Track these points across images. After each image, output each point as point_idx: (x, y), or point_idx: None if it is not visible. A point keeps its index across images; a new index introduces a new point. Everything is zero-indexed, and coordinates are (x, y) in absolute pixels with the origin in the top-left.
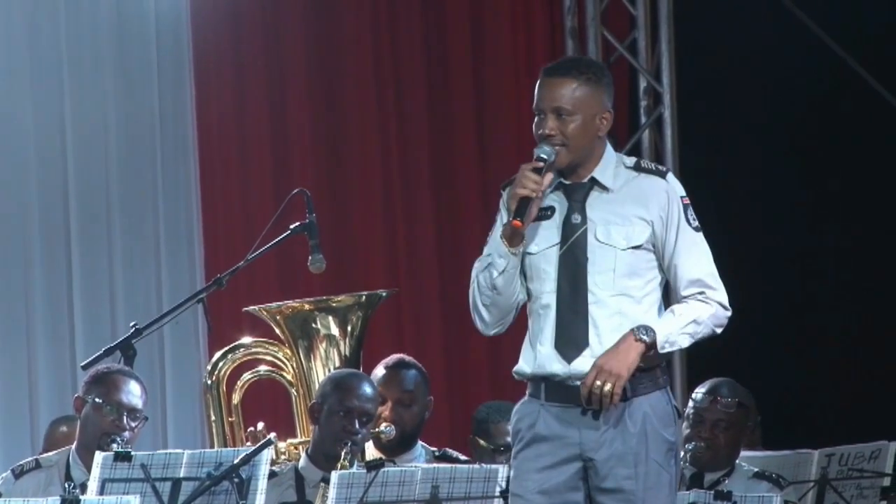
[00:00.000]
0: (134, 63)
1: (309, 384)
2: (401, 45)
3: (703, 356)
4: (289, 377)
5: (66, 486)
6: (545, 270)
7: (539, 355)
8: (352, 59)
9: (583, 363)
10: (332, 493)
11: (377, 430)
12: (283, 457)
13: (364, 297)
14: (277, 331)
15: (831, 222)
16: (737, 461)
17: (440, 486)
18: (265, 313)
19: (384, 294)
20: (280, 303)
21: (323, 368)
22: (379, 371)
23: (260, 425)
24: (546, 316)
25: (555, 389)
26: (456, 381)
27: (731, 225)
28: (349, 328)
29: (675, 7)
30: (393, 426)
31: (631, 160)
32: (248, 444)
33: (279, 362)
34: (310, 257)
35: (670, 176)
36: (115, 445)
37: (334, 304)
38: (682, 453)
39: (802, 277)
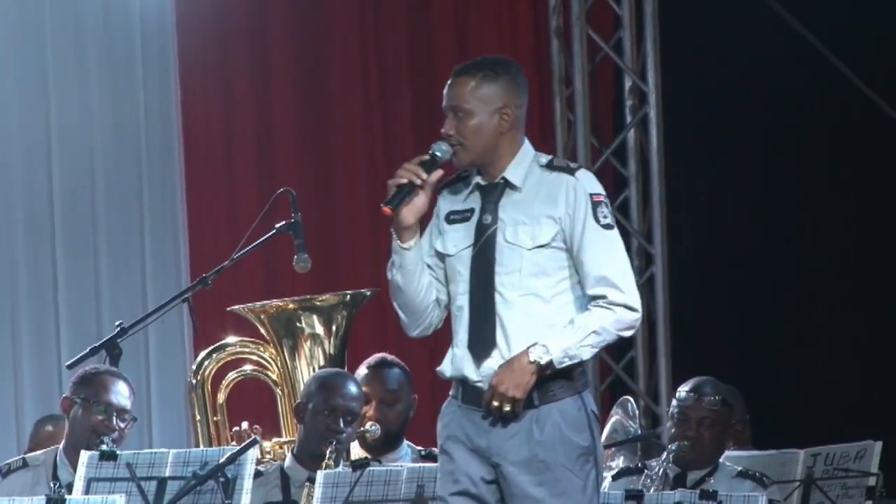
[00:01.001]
0: (119, 63)
1: (294, 383)
2: (386, 44)
3: (690, 356)
4: (274, 376)
5: (52, 485)
6: (460, 272)
7: (455, 357)
8: (337, 58)
9: (491, 364)
10: (317, 492)
11: (362, 429)
12: (268, 456)
13: (349, 297)
14: (262, 330)
15: (819, 222)
16: (721, 460)
17: (426, 485)
18: (250, 313)
19: (368, 293)
20: (265, 302)
21: (308, 368)
22: (362, 371)
23: (244, 425)
24: (461, 318)
25: (470, 392)
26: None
27: (717, 224)
28: (334, 327)
29: (661, 6)
30: (378, 425)
31: (546, 158)
32: (234, 443)
33: (264, 362)
34: (295, 256)
35: (580, 172)
36: (104, 446)
37: (319, 304)
38: (665, 454)
39: (790, 278)
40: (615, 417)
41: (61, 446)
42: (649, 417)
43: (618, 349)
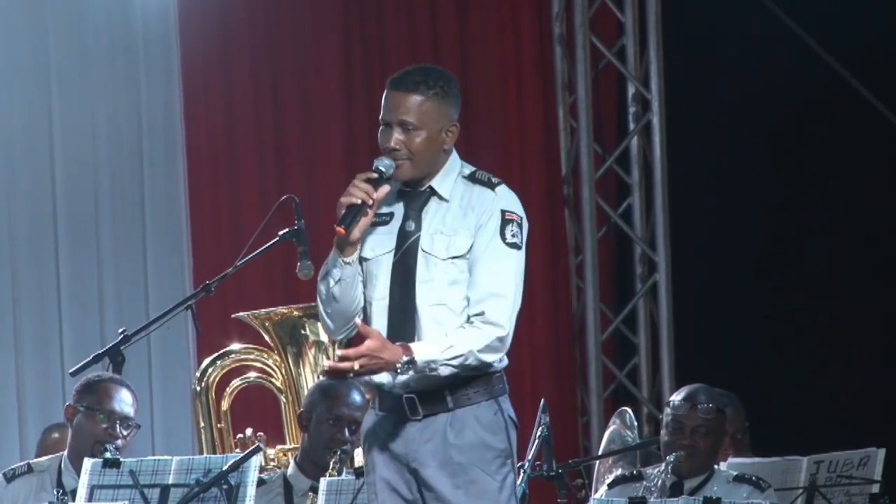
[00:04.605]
0: (122, 68)
1: (298, 390)
2: (389, 52)
3: (693, 363)
4: (278, 383)
5: (56, 492)
6: (377, 276)
7: None
8: (340, 65)
9: None
10: (321, 499)
11: None
12: (272, 463)
13: None
14: (266, 337)
15: (821, 229)
16: (716, 466)
17: None
18: (254, 320)
19: None
20: (270, 309)
21: (312, 375)
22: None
23: (248, 431)
24: (377, 324)
25: (384, 399)
26: None
27: (720, 230)
28: None
29: (664, 13)
30: None
31: (469, 170)
32: (238, 450)
33: (268, 368)
34: (298, 264)
35: (500, 189)
36: (107, 454)
37: None
38: (662, 465)
39: (794, 285)
40: (613, 427)
41: (66, 453)
42: (652, 424)
43: (621, 356)
